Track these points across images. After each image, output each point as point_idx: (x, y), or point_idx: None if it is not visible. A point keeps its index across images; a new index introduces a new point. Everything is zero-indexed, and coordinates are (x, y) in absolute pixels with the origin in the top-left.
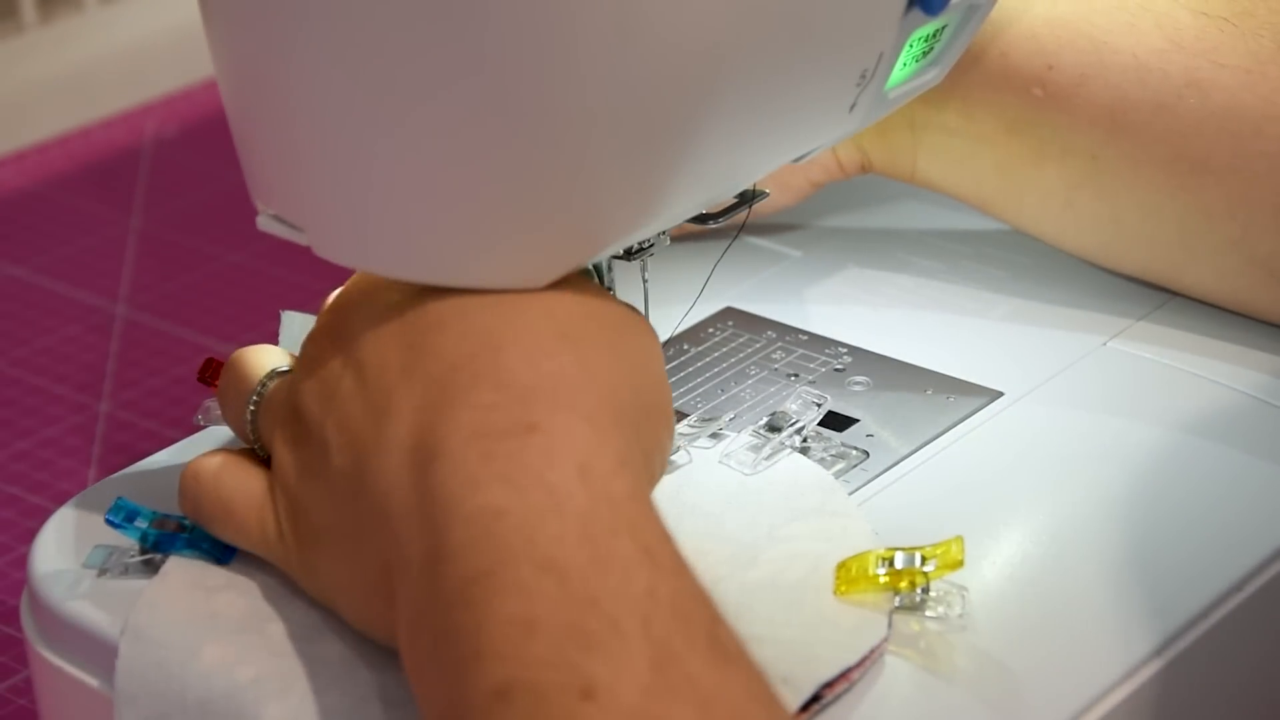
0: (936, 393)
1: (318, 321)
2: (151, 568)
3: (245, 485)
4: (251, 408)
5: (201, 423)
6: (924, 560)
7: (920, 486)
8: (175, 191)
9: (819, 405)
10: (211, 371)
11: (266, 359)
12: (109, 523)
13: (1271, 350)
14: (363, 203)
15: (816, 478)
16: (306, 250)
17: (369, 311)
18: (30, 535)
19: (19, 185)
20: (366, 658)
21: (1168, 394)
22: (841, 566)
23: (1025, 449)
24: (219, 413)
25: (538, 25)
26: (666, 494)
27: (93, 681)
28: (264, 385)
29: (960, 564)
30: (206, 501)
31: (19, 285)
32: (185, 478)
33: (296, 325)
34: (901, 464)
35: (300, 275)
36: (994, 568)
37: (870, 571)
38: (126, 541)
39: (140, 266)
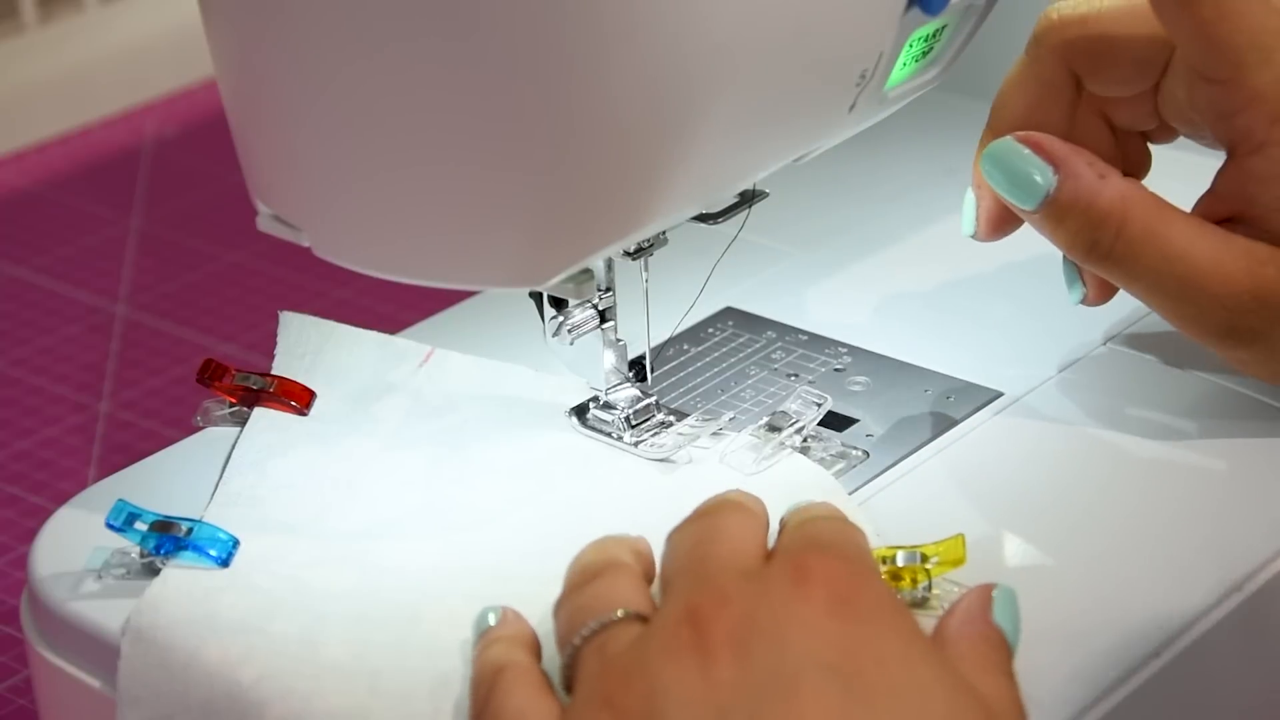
0: (936, 393)
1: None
2: (152, 570)
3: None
4: (584, 633)
5: (200, 423)
6: (925, 558)
7: (920, 486)
8: (175, 191)
9: (819, 405)
10: (211, 372)
11: (625, 586)
12: (109, 526)
13: None
14: (362, 203)
15: (817, 479)
16: (306, 250)
17: None
18: (30, 535)
19: (19, 185)
20: (369, 659)
21: (1168, 394)
22: None
23: (1025, 449)
24: (218, 413)
25: (538, 26)
26: (667, 495)
27: (92, 681)
28: (609, 622)
29: (962, 561)
30: (490, 716)
31: (19, 285)
32: (487, 671)
33: (295, 326)
34: (901, 464)
35: (300, 275)
36: (994, 568)
37: None
38: (127, 542)
39: (140, 266)
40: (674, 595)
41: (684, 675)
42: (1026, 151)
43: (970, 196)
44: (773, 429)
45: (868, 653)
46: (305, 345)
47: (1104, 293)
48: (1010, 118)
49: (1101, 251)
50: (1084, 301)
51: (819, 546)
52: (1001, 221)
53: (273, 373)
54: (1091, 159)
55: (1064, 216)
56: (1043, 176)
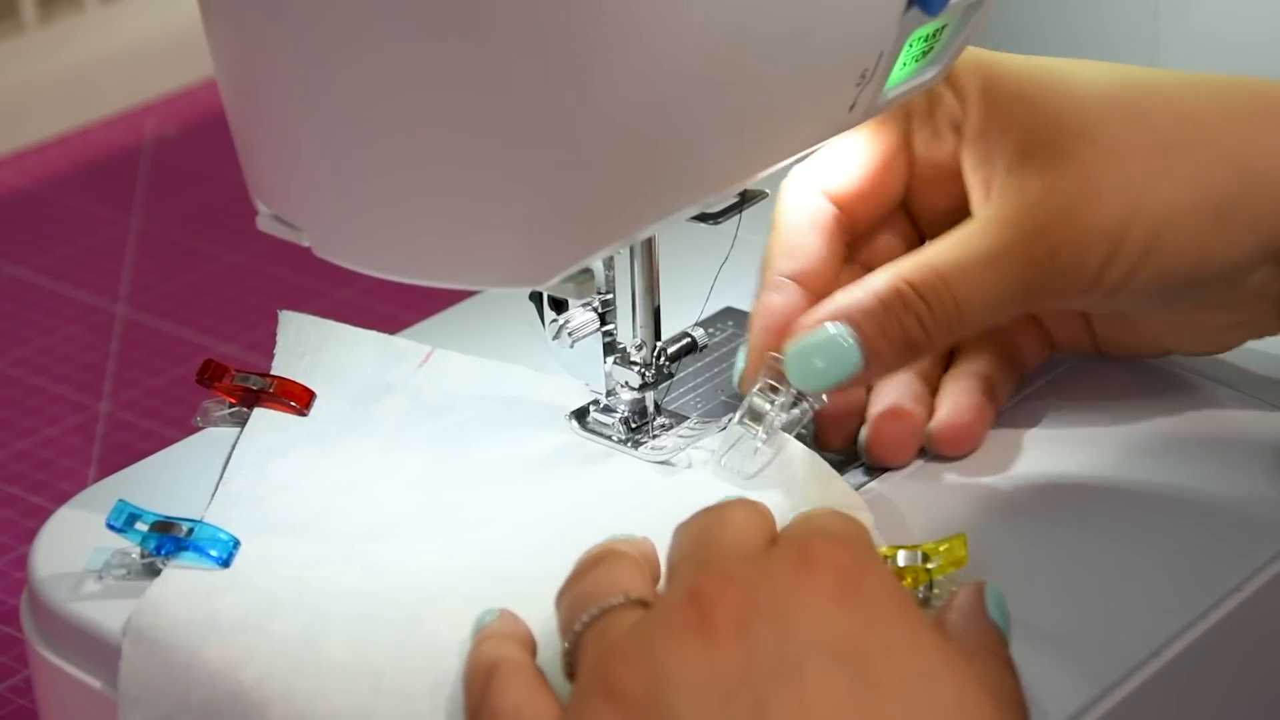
0: None
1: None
2: (152, 570)
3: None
4: (585, 619)
5: (200, 424)
6: (926, 558)
7: (920, 486)
8: (175, 191)
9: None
10: (211, 372)
11: (627, 573)
12: (110, 527)
13: (1271, 350)
14: (362, 203)
15: (814, 469)
16: (306, 250)
17: None
18: (30, 535)
19: (19, 185)
20: (370, 659)
21: (1167, 394)
22: None
23: (1025, 449)
24: (218, 413)
25: (537, 27)
26: (667, 496)
27: (92, 681)
28: (610, 607)
29: (963, 562)
30: (486, 713)
31: (19, 285)
32: (481, 667)
33: (294, 326)
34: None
35: (300, 275)
36: (994, 568)
37: None
38: (128, 542)
39: (140, 266)
40: (677, 579)
41: (687, 658)
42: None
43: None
44: (755, 418)
45: (874, 639)
46: (305, 345)
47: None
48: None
49: (928, 312)
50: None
51: (823, 533)
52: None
53: (272, 373)
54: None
55: (882, 330)
56: (845, 341)
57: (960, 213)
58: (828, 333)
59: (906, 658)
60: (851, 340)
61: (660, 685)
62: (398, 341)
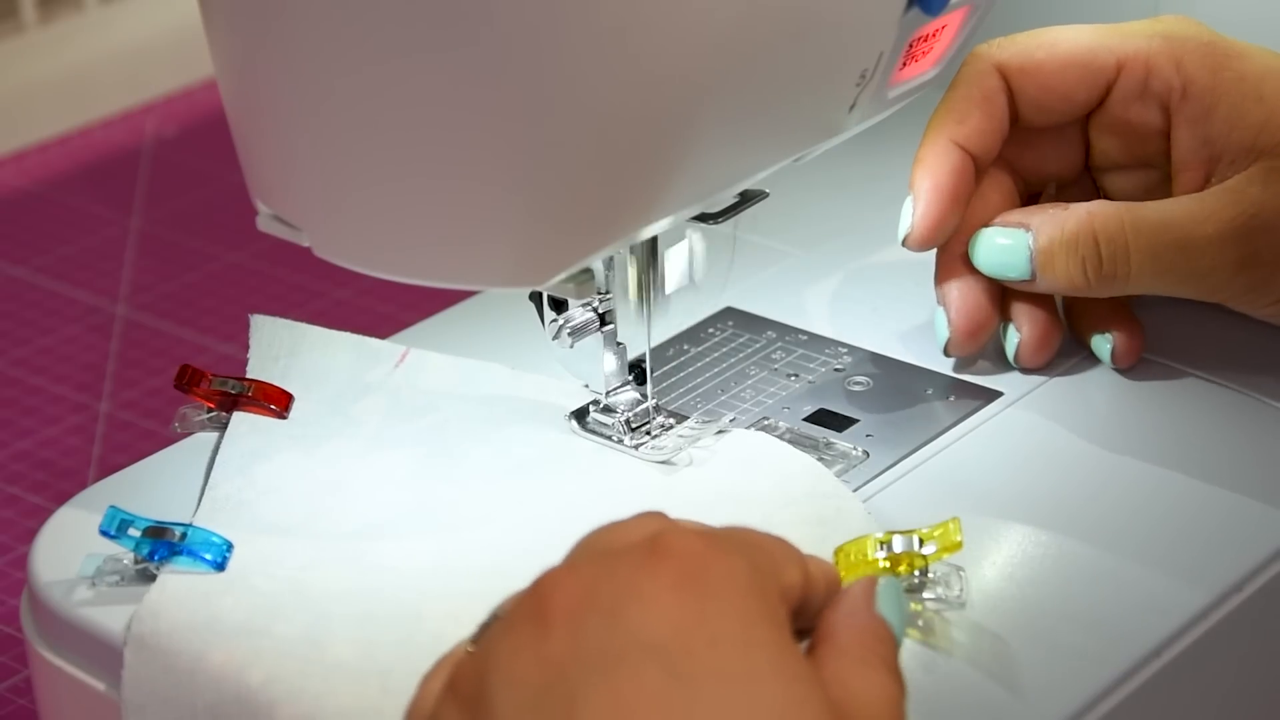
0: (936, 393)
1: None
2: (146, 576)
3: None
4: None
5: (179, 429)
6: (922, 543)
7: (920, 486)
8: (175, 191)
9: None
10: (188, 378)
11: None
12: (103, 533)
13: (1271, 350)
14: (361, 203)
15: (804, 464)
16: (306, 250)
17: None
18: (30, 535)
19: (19, 185)
20: (377, 658)
21: (1167, 394)
22: (840, 552)
23: (1025, 449)
24: (197, 418)
25: (537, 27)
26: (659, 490)
27: (92, 681)
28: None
29: (959, 546)
30: None
31: (19, 285)
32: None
33: (266, 329)
34: (901, 464)
35: (300, 275)
36: (994, 568)
37: (869, 556)
38: (120, 548)
39: (140, 266)
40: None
41: (517, 648)
42: (995, 230)
43: (939, 316)
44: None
45: (702, 632)
46: (278, 348)
47: (1042, 344)
48: None
49: (1096, 263)
50: (1017, 355)
51: (687, 529)
52: (978, 328)
53: (248, 376)
54: (1047, 206)
55: (1052, 257)
56: (1025, 249)
57: (1128, 170)
58: (1014, 234)
59: (733, 653)
60: (1029, 251)
61: (488, 676)
62: (371, 342)
